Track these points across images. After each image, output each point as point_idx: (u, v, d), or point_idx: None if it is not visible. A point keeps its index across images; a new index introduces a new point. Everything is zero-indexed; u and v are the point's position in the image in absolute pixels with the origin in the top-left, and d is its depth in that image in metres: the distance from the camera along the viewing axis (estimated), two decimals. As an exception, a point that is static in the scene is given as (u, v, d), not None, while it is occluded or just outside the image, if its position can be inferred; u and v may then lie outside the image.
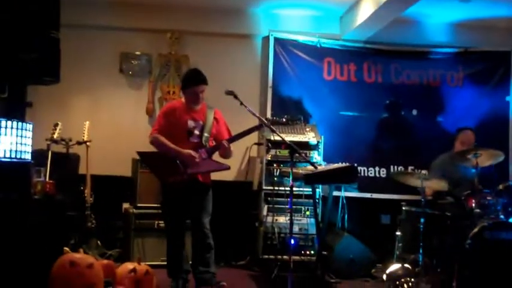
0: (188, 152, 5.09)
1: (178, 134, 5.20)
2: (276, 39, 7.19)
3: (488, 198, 5.52)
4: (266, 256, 6.31)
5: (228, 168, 5.28)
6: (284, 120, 5.43)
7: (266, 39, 7.25)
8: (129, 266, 4.94)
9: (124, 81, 7.17)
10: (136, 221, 6.25)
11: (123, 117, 7.11)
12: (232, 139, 5.25)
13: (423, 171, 5.83)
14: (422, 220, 5.46)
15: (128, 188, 6.59)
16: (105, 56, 7.13)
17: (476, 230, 5.11)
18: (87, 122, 6.42)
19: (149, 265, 5.15)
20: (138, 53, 7.16)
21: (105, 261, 5.25)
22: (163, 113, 5.34)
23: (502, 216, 5.39)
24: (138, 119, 7.07)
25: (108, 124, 7.00)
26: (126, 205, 6.56)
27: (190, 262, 5.37)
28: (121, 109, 7.13)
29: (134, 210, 6.31)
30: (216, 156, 5.31)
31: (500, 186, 5.59)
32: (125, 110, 7.14)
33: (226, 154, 5.28)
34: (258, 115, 5.23)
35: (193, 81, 5.25)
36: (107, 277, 4.80)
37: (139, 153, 5.43)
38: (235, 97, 5.10)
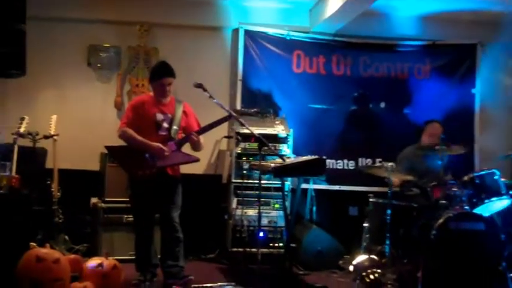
0: (157, 145, 5.08)
1: (147, 127, 5.19)
2: (246, 32, 7.17)
3: (454, 189, 5.61)
4: (235, 249, 6.33)
5: (198, 160, 5.30)
6: (253, 111, 5.44)
7: (236, 31, 7.23)
8: (97, 260, 4.93)
9: (92, 74, 7.10)
10: (104, 216, 6.22)
11: (91, 110, 7.03)
12: (201, 131, 5.26)
13: (390, 163, 5.89)
14: (388, 211, 5.53)
15: (96, 182, 6.54)
16: (73, 48, 7.04)
17: (441, 220, 5.20)
18: (55, 116, 6.32)
19: (117, 259, 5.16)
20: (106, 45, 7.09)
21: (72, 256, 5.25)
22: (132, 106, 5.33)
23: (467, 207, 5.48)
24: (107, 112, 7.01)
25: (75, 118, 6.92)
26: (94, 199, 6.51)
27: (159, 256, 5.37)
28: (89, 102, 7.06)
29: (102, 204, 6.27)
30: (188, 149, 5.32)
31: (466, 178, 5.69)
32: (93, 103, 7.06)
33: (196, 146, 5.29)
34: (226, 108, 5.26)
35: (160, 73, 5.25)
36: (73, 272, 4.80)
37: (107, 147, 5.40)
38: (204, 90, 5.13)
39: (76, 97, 7.06)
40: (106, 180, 6.33)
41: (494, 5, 6.90)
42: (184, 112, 5.35)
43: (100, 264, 4.86)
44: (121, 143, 5.23)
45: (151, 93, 5.38)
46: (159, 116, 5.23)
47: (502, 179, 5.73)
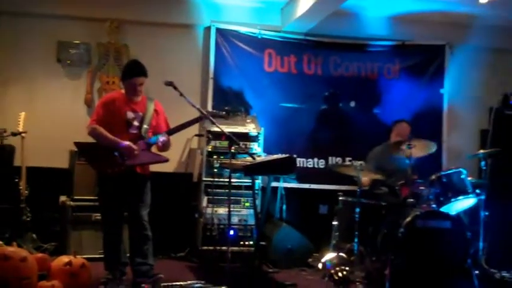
0: (127, 143, 5.05)
1: (117, 125, 5.15)
2: (218, 30, 7.16)
3: (421, 188, 5.71)
4: (205, 247, 6.33)
5: (167, 160, 5.28)
6: (224, 113, 5.44)
7: (207, 29, 7.23)
8: (65, 259, 4.89)
9: (62, 70, 7.02)
10: (73, 214, 6.17)
11: (60, 107, 6.95)
12: (172, 131, 5.25)
13: (360, 162, 5.96)
14: (357, 210, 5.59)
15: (64, 180, 6.47)
16: (42, 44, 6.95)
17: (409, 219, 5.27)
18: (23, 113, 6.26)
19: (86, 258, 5.14)
20: (76, 42, 7.02)
21: (40, 255, 5.20)
22: (102, 104, 5.28)
23: (433, 206, 5.57)
24: (76, 109, 6.94)
25: (44, 115, 6.84)
26: (63, 197, 6.44)
27: (128, 255, 5.34)
28: (58, 99, 6.97)
29: (71, 202, 6.22)
30: (155, 148, 5.31)
31: (433, 176, 5.76)
32: (63, 100, 6.98)
33: (164, 147, 5.27)
34: (197, 106, 5.27)
35: (132, 73, 5.21)
36: (41, 270, 4.76)
37: (76, 143, 5.30)
38: (175, 88, 5.13)
39: (45, 94, 6.97)
40: (75, 178, 6.28)
41: (463, 7, 7.00)
42: (155, 111, 5.33)
43: (68, 263, 4.82)
44: (91, 140, 5.19)
45: (123, 91, 5.34)
46: (130, 114, 5.19)
47: (469, 178, 5.83)
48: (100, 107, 5.25)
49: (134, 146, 5.06)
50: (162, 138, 5.16)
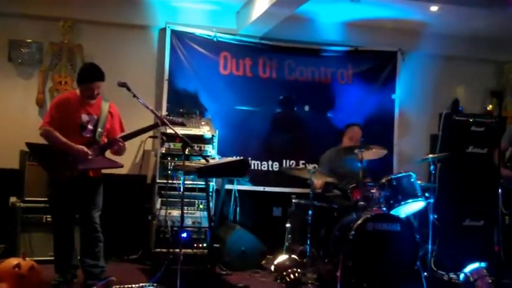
0: (81, 147, 4.98)
1: (71, 128, 5.08)
2: (173, 32, 7.12)
3: (372, 191, 5.81)
4: (158, 249, 6.29)
5: (121, 166, 5.25)
6: (180, 121, 5.42)
7: (163, 31, 7.18)
8: (13, 261, 4.78)
9: (13, 69, 6.86)
10: (23, 216, 6.05)
11: (11, 107, 6.80)
12: (127, 137, 5.21)
13: (313, 165, 6.03)
14: (310, 212, 5.66)
15: (15, 181, 6.34)
16: (-8, 43, 6.83)
17: (359, 222, 5.37)
18: (-28, 112, 6.13)
19: (37, 260, 5.05)
20: (28, 40, 6.88)
21: (-12, 257, 5.08)
22: (56, 105, 5.16)
23: (384, 209, 5.69)
24: (28, 109, 6.81)
25: (-6, 114, 6.72)
26: (13, 199, 6.31)
27: (79, 257, 5.28)
28: (9, 99, 6.82)
29: (21, 204, 6.09)
30: (108, 153, 5.28)
31: (383, 180, 5.88)
32: (13, 100, 6.83)
33: (118, 151, 5.25)
34: (151, 108, 5.23)
35: (91, 77, 5.13)
36: (-11, 273, 4.65)
37: (28, 144, 5.17)
38: (128, 89, 5.10)
39: (-5, 93, 6.83)
40: (26, 179, 6.15)
41: (415, 15, 7.16)
42: (110, 113, 5.28)
43: (17, 265, 4.73)
44: (43, 141, 5.11)
45: (77, 91, 5.26)
46: (85, 118, 5.13)
47: (418, 182, 5.95)
48: (53, 108, 5.15)
49: (88, 151, 5.00)
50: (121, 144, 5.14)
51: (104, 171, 5.34)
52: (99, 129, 5.13)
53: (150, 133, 6.91)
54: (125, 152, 5.31)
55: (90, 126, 5.13)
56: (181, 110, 6.75)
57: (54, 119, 5.06)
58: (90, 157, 5.00)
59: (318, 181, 6.21)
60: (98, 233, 5.18)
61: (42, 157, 5.21)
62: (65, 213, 5.16)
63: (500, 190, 5.43)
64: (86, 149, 4.99)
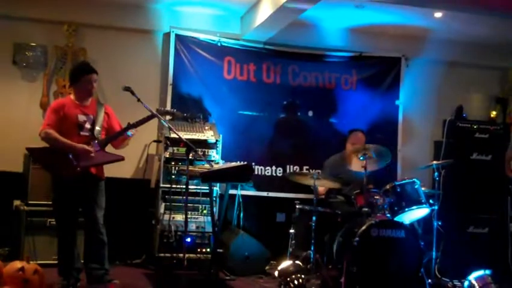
0: (82, 146, 5.06)
1: (69, 129, 5.15)
2: (177, 36, 7.14)
3: (376, 197, 5.80)
4: (162, 254, 6.26)
5: (123, 159, 5.30)
6: (185, 115, 5.47)
7: (167, 35, 7.19)
8: (17, 264, 4.77)
9: (17, 73, 6.86)
10: (27, 219, 6.05)
11: (15, 110, 6.80)
12: (136, 124, 5.24)
13: (316, 171, 6.03)
14: (314, 218, 5.65)
15: (19, 184, 6.36)
16: (-3, 45, 6.83)
17: (363, 228, 5.36)
18: (-24, 115, 6.13)
19: (40, 264, 5.03)
20: (33, 44, 6.89)
21: (-8, 260, 5.07)
22: (52, 109, 5.25)
23: (388, 215, 5.68)
24: (32, 112, 6.79)
25: (-2, 117, 6.73)
26: (17, 202, 6.33)
27: (82, 261, 5.28)
28: (13, 102, 6.82)
29: (25, 207, 6.10)
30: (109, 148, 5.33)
31: (387, 186, 5.88)
32: (18, 103, 6.83)
33: (124, 143, 5.35)
34: (155, 113, 5.24)
35: (87, 70, 5.25)
36: (-7, 276, 4.64)
37: (28, 149, 5.29)
38: (132, 93, 5.17)
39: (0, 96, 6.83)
40: (29, 183, 6.15)
41: (419, 21, 7.16)
42: (106, 113, 5.37)
43: (21, 269, 4.72)
44: (43, 145, 5.14)
45: (71, 96, 5.34)
46: (81, 117, 5.21)
47: (423, 188, 5.95)
48: (51, 112, 5.22)
49: (89, 148, 5.07)
50: (132, 132, 5.23)
51: (107, 174, 5.37)
52: (97, 128, 5.22)
53: (154, 137, 6.95)
54: (128, 155, 5.33)
55: (87, 126, 5.20)
56: (185, 115, 6.74)
57: (52, 121, 5.14)
58: (92, 154, 5.07)
59: (321, 187, 6.19)
60: (102, 236, 5.20)
61: (44, 159, 5.26)
62: (69, 215, 5.19)
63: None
64: (86, 147, 5.06)
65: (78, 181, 5.07)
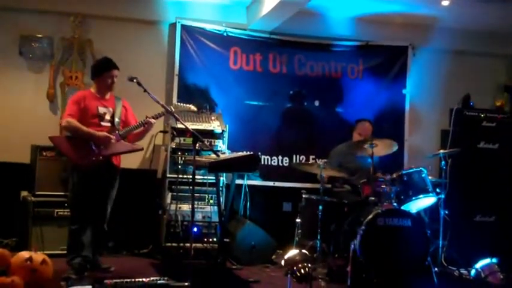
0: (103, 134, 5.28)
1: (90, 120, 5.36)
2: (183, 27, 7.13)
3: (383, 186, 5.78)
4: (169, 244, 6.30)
5: (142, 149, 5.67)
6: (194, 107, 5.65)
7: (173, 26, 7.19)
8: (25, 254, 4.81)
9: (24, 64, 6.88)
10: (35, 209, 6.08)
11: (21, 101, 6.82)
12: (156, 116, 5.49)
13: (323, 160, 6.02)
14: (320, 207, 5.65)
15: (26, 175, 6.38)
16: (4, 37, 6.80)
17: (370, 217, 5.35)
18: (-17, 106, 6.16)
19: (48, 254, 5.07)
20: (39, 35, 6.90)
21: (0, 250, 5.10)
22: (74, 101, 5.43)
23: (395, 204, 5.66)
24: (38, 104, 6.82)
25: (5, 108, 6.73)
26: (24, 193, 6.35)
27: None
28: (20, 93, 6.83)
29: (33, 198, 6.13)
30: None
31: (394, 175, 5.87)
32: (24, 94, 6.85)
33: (141, 135, 5.60)
34: (161, 102, 5.29)
35: (110, 66, 5.45)
36: (1, 266, 4.67)
37: (51, 138, 5.43)
38: (139, 84, 5.24)
39: (6, 87, 6.81)
40: (37, 174, 6.18)
41: (426, 9, 7.13)
42: (124, 107, 5.59)
43: (28, 259, 4.76)
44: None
45: (92, 89, 5.53)
46: (102, 109, 5.43)
47: (429, 177, 5.93)
48: (72, 103, 5.41)
49: (110, 135, 5.29)
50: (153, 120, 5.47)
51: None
52: (117, 119, 5.45)
53: (161, 127, 6.96)
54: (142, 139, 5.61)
55: (107, 117, 5.43)
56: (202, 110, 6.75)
57: (74, 112, 5.32)
58: (113, 141, 5.29)
59: (328, 175, 6.19)
60: (105, 225, 5.46)
61: (65, 148, 5.37)
62: (85, 204, 5.32)
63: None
64: (108, 134, 5.27)
65: (99, 170, 5.26)
